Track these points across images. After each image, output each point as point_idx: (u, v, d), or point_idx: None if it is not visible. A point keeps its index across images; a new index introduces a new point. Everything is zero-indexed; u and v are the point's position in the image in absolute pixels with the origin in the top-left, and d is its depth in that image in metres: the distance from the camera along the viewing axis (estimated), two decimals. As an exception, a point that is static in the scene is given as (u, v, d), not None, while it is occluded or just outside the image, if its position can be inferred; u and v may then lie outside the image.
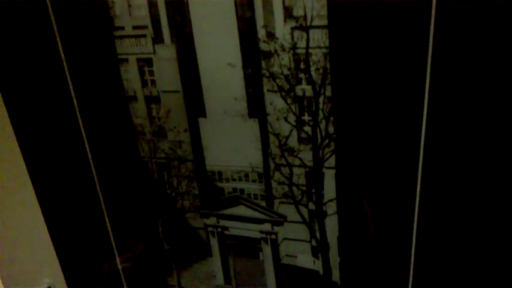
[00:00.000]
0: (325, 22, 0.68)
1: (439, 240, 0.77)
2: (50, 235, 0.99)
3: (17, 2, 0.80)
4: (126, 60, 0.82)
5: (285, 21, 0.70)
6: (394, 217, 0.78)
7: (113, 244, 1.00)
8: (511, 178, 0.68)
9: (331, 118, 0.75)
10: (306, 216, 0.86)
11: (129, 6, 0.77)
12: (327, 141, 0.77)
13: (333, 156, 0.78)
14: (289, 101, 0.76)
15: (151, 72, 0.82)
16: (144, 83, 0.84)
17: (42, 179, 0.95)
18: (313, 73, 0.72)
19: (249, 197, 0.88)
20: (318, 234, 0.86)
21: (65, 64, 0.84)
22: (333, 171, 0.80)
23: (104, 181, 0.94)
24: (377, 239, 0.81)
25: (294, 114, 0.77)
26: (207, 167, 0.88)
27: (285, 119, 0.78)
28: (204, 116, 0.83)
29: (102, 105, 0.88)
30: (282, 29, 0.71)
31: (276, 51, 0.73)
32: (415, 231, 0.77)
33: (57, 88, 0.86)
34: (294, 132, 0.79)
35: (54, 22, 0.80)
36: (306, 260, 0.90)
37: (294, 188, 0.84)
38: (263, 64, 0.74)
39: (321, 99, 0.74)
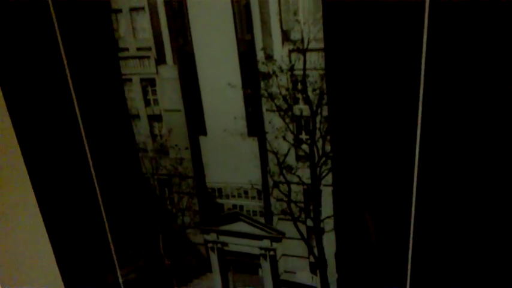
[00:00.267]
0: (321, 45, 0.70)
1: (435, 255, 0.78)
2: (52, 248, 1.01)
3: (24, 30, 0.83)
4: (130, 80, 0.85)
5: (282, 44, 0.73)
6: (390, 234, 0.80)
7: (115, 259, 1.01)
8: (508, 190, 0.70)
9: (328, 137, 0.77)
10: (304, 232, 0.87)
11: (134, 28, 0.80)
12: (324, 159, 0.79)
13: (330, 174, 0.80)
14: (287, 120, 0.78)
15: (154, 92, 0.85)
16: (147, 102, 0.86)
17: (46, 192, 0.97)
18: (310, 93, 0.75)
19: (249, 213, 0.89)
20: (315, 251, 0.88)
21: (70, 83, 0.86)
22: (330, 189, 0.81)
23: (106, 196, 0.96)
24: (375, 251, 0.82)
25: (292, 133, 0.79)
26: (208, 183, 0.90)
27: (283, 137, 0.80)
28: (205, 134, 0.85)
29: (106, 123, 0.90)
30: (280, 52, 0.73)
31: (274, 72, 0.75)
32: (411, 245, 0.79)
33: (63, 106, 0.89)
34: (292, 151, 0.81)
35: (61, 44, 0.83)
36: (304, 276, 0.91)
37: (293, 205, 0.86)
38: (262, 85, 0.77)
39: (317, 119, 0.76)
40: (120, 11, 0.79)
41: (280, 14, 0.71)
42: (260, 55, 0.75)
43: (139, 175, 0.93)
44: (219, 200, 0.91)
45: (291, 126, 0.79)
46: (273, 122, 0.79)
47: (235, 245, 0.94)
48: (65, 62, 0.85)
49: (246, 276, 0.96)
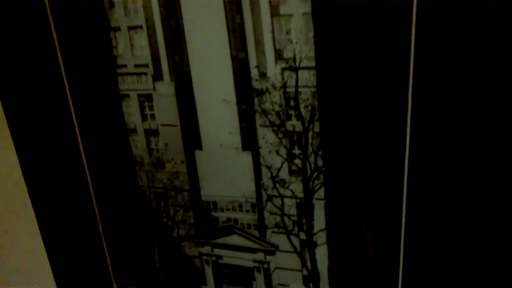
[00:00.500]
0: (312, 64, 0.73)
1: (427, 268, 0.79)
2: (49, 261, 1.02)
3: (25, 48, 0.85)
4: (128, 95, 0.87)
5: (276, 62, 0.75)
6: (382, 247, 0.81)
7: (110, 271, 1.02)
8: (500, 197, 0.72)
9: (320, 152, 0.79)
10: (297, 246, 0.88)
11: (132, 46, 0.83)
12: (316, 173, 0.81)
13: (322, 188, 0.82)
14: (280, 135, 0.81)
15: (151, 107, 0.87)
16: (144, 117, 0.88)
17: (43, 203, 0.99)
18: (302, 110, 0.77)
19: (243, 226, 0.91)
20: (309, 264, 0.89)
21: (70, 98, 0.89)
22: (323, 203, 0.83)
23: (103, 209, 0.98)
24: (371, 266, 0.83)
25: (285, 147, 0.81)
26: (203, 197, 0.91)
27: (277, 152, 0.82)
28: (200, 148, 0.87)
29: (104, 137, 0.92)
30: (273, 69, 0.76)
31: (267, 89, 0.78)
32: (401, 258, 0.80)
33: (62, 120, 0.91)
34: (285, 165, 0.83)
35: (61, 60, 0.86)
36: (297, 289, 0.92)
37: (286, 218, 0.87)
38: (256, 101, 0.79)
39: (310, 134, 0.78)
40: (118, 29, 0.82)
41: (273, 34, 0.74)
42: (254, 73, 0.77)
43: (136, 188, 0.95)
44: (213, 213, 0.92)
45: (284, 141, 0.81)
46: (267, 137, 0.82)
47: (229, 258, 0.95)
48: (65, 77, 0.87)
49: (240, 289, 0.98)
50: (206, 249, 0.96)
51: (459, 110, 0.69)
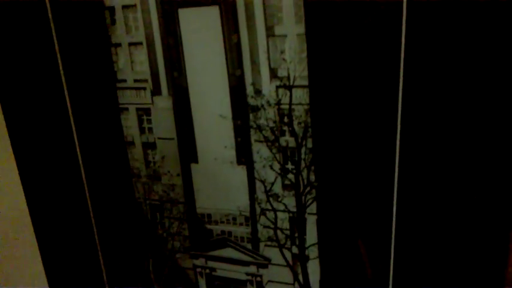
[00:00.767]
0: (306, 82, 0.75)
1: (417, 280, 0.81)
2: (44, 270, 1.03)
3: (26, 59, 0.88)
4: (127, 109, 0.89)
5: (270, 80, 0.78)
6: (373, 263, 0.83)
7: (105, 282, 1.03)
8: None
9: (312, 167, 0.81)
10: (290, 259, 0.90)
11: (132, 61, 0.85)
12: (308, 188, 0.83)
13: (315, 203, 0.84)
14: (274, 150, 0.83)
15: (149, 121, 0.89)
16: (142, 130, 0.91)
17: (41, 213, 1.00)
18: (295, 126, 0.79)
19: (236, 239, 0.92)
20: (301, 278, 0.90)
21: (70, 111, 0.91)
22: (315, 217, 0.85)
23: (99, 219, 0.99)
24: (358, 282, 0.85)
25: (279, 162, 0.83)
26: (198, 209, 0.93)
27: (270, 166, 0.84)
28: (196, 162, 0.89)
29: (102, 149, 0.94)
30: (268, 87, 0.78)
31: (262, 106, 0.80)
32: (391, 276, 0.81)
33: (62, 133, 0.93)
34: (279, 179, 0.85)
35: (63, 75, 0.88)
36: (289, 302, 0.93)
37: (279, 232, 0.89)
38: (251, 117, 0.82)
39: (302, 150, 0.81)
40: (119, 45, 0.85)
41: (268, 53, 0.76)
42: (249, 89, 0.80)
43: (132, 200, 0.97)
44: (208, 226, 0.94)
45: (277, 156, 0.83)
46: (261, 152, 0.84)
47: (223, 271, 0.96)
48: (66, 90, 0.90)
49: (233, 302, 0.98)
50: (200, 262, 0.97)
51: (450, 127, 0.71)
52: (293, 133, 0.80)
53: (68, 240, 1.02)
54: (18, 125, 0.94)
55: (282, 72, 0.77)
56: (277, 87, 0.78)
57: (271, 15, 0.74)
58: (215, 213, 0.92)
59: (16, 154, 0.96)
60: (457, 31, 0.66)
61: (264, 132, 0.82)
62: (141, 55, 0.84)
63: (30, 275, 1.03)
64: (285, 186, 0.85)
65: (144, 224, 0.98)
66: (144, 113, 0.89)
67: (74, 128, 0.93)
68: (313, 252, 0.87)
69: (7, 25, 0.87)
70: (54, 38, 0.87)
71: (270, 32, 0.75)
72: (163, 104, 0.87)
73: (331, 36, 0.71)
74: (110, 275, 1.03)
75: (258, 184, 0.86)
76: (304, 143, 0.80)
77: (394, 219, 0.78)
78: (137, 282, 1.03)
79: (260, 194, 0.87)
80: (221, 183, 0.89)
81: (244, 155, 0.85)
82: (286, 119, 0.80)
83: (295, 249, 0.89)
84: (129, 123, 0.91)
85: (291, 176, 0.84)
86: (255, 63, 0.78)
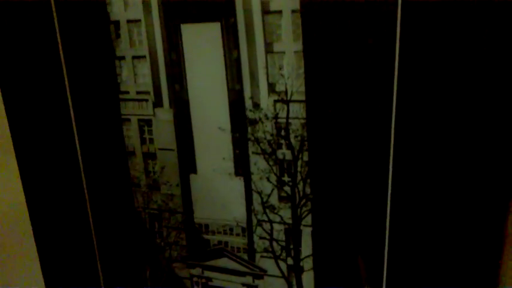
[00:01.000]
0: (303, 97, 0.78)
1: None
2: (43, 278, 1.04)
3: (31, 71, 0.91)
4: (129, 120, 0.92)
5: (268, 94, 0.80)
6: (369, 278, 0.84)
7: (102, 290, 1.05)
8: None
9: (308, 180, 0.83)
10: (285, 271, 0.91)
11: (135, 74, 0.88)
12: (304, 200, 0.85)
13: (310, 215, 0.86)
14: (271, 163, 0.85)
15: (150, 132, 0.92)
16: (143, 141, 0.93)
17: (43, 224, 1.02)
18: (292, 140, 0.82)
19: (233, 250, 0.94)
20: (295, 289, 0.92)
21: (73, 121, 0.93)
22: (310, 229, 0.86)
23: (99, 227, 1.01)
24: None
25: (275, 175, 0.86)
26: (195, 219, 0.95)
27: (267, 178, 0.86)
28: (195, 172, 0.91)
29: (104, 158, 0.96)
30: (266, 101, 0.81)
31: (260, 119, 0.82)
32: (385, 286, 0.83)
33: (64, 141, 0.95)
34: (275, 191, 0.87)
35: (68, 86, 0.91)
36: (284, 313, 0.94)
37: (274, 243, 0.90)
38: (249, 130, 0.84)
39: (299, 163, 0.83)
40: (123, 58, 0.88)
41: (266, 68, 0.79)
42: (248, 103, 0.82)
43: (132, 208, 0.98)
44: (205, 236, 0.95)
45: (274, 168, 0.85)
46: (258, 164, 0.86)
47: (219, 281, 0.98)
48: (70, 100, 0.92)
49: (228, 312, 0.99)
50: (197, 271, 0.99)
51: (443, 137, 0.73)
52: (290, 146, 0.82)
53: (66, 247, 1.03)
54: (22, 133, 0.97)
55: (279, 87, 0.79)
56: (275, 101, 0.80)
57: (271, 32, 0.77)
58: (212, 224, 0.94)
59: (19, 160, 0.98)
60: (448, 46, 0.68)
61: (261, 144, 0.84)
62: (144, 68, 0.87)
63: (27, 280, 1.04)
64: (281, 198, 0.87)
65: (142, 233, 0.99)
66: (145, 124, 0.91)
67: (76, 136, 0.95)
68: (307, 264, 0.89)
69: (15, 36, 0.90)
70: (60, 50, 0.89)
71: (269, 49, 0.78)
72: (164, 115, 0.89)
73: (327, 54, 0.74)
74: (108, 282, 1.04)
75: (255, 195, 0.88)
76: (300, 156, 0.82)
77: (387, 232, 0.80)
78: (134, 291, 1.05)
79: (257, 206, 0.89)
80: (219, 194, 0.91)
81: (242, 167, 0.87)
82: (283, 133, 0.82)
83: (290, 261, 0.90)
84: (131, 133, 0.93)
85: (287, 188, 0.86)
86: (254, 78, 0.80)
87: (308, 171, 0.83)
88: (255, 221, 0.90)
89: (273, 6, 0.75)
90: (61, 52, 0.90)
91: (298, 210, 0.86)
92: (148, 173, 0.95)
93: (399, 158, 0.75)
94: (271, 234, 0.90)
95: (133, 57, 0.87)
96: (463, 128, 0.71)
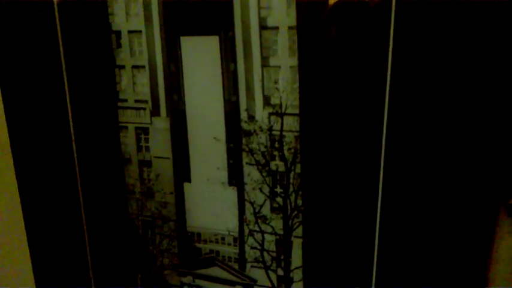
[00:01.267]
0: (296, 111, 0.80)
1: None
2: (34, 281, 1.04)
3: (30, 80, 0.93)
4: (126, 127, 0.94)
5: (263, 107, 0.83)
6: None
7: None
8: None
9: (300, 192, 0.85)
10: (275, 281, 0.92)
11: (134, 83, 0.90)
12: (295, 212, 0.87)
13: (301, 226, 0.87)
14: (264, 174, 0.87)
15: (146, 140, 0.93)
16: (139, 148, 0.95)
17: (37, 227, 1.02)
18: (285, 152, 0.84)
19: (224, 259, 0.95)
20: (284, 300, 0.92)
21: (71, 127, 0.95)
22: (301, 241, 0.88)
23: (92, 233, 1.01)
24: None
25: (268, 186, 0.87)
26: (188, 228, 0.96)
27: (260, 189, 0.88)
28: (189, 181, 0.93)
29: (100, 164, 0.98)
30: (261, 113, 0.83)
31: (255, 131, 0.84)
32: (372, 302, 0.84)
33: (62, 147, 0.97)
34: (268, 202, 0.88)
35: (67, 91, 0.93)
36: (272, 324, 0.95)
37: (265, 254, 0.91)
38: (244, 141, 0.86)
39: (291, 175, 0.85)
40: (123, 67, 0.90)
41: (262, 82, 0.81)
42: (243, 115, 0.84)
43: (126, 215, 0.99)
44: (197, 244, 0.96)
45: (267, 179, 0.87)
46: (252, 174, 0.87)
47: (209, 289, 0.98)
48: (69, 107, 0.94)
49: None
50: (188, 279, 0.99)
51: (433, 152, 0.75)
52: (283, 158, 0.84)
53: (59, 250, 1.04)
54: (20, 136, 0.98)
55: (274, 100, 0.81)
56: (270, 114, 0.82)
57: (267, 47, 0.79)
58: (205, 233, 0.95)
59: (16, 163, 0.99)
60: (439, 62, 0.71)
61: (255, 156, 0.86)
62: (143, 77, 0.89)
63: (18, 281, 1.05)
64: (273, 209, 0.88)
65: (135, 240, 1.00)
66: (142, 132, 0.93)
67: (73, 141, 0.96)
68: (297, 275, 0.90)
69: (18, 43, 0.92)
70: (62, 56, 0.91)
71: (265, 63, 0.80)
72: (161, 124, 0.91)
73: (321, 69, 0.76)
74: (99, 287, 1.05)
75: (248, 206, 0.90)
76: (293, 168, 0.84)
77: (376, 246, 0.82)
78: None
79: (249, 216, 0.90)
80: (212, 203, 0.92)
81: (235, 177, 0.89)
82: (277, 145, 0.84)
83: (280, 271, 0.91)
84: (128, 141, 0.95)
85: (279, 199, 0.87)
86: (249, 90, 0.82)
87: (300, 183, 0.84)
88: (246, 231, 0.91)
89: (270, 22, 0.78)
90: (62, 58, 0.92)
91: (290, 221, 0.88)
92: (143, 181, 0.96)
93: (389, 172, 0.77)
94: (262, 245, 0.91)
95: (133, 67, 0.89)
96: (453, 136, 0.73)
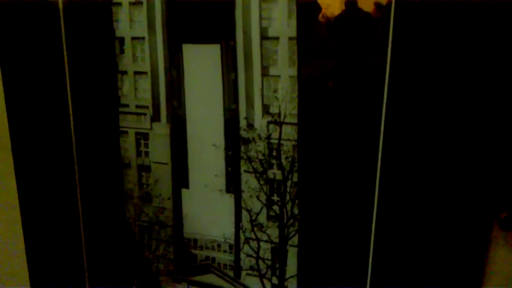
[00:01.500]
0: (295, 120, 0.81)
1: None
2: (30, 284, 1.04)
3: (33, 82, 0.94)
4: (126, 132, 0.95)
5: (262, 115, 0.84)
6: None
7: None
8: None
9: (297, 201, 0.86)
10: (270, 289, 0.92)
11: (135, 89, 0.91)
12: (291, 221, 0.87)
13: (297, 235, 0.87)
14: (261, 182, 0.87)
15: (146, 145, 0.94)
16: (138, 153, 0.95)
17: (34, 229, 1.03)
18: (283, 160, 0.84)
19: (219, 266, 0.95)
20: (279, 309, 0.92)
21: (72, 131, 0.96)
22: (296, 249, 0.88)
23: (89, 237, 1.02)
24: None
25: (265, 193, 0.88)
26: (185, 234, 0.96)
27: (257, 197, 0.88)
28: (187, 187, 0.93)
29: (100, 168, 0.99)
30: (259, 122, 0.84)
31: (253, 139, 0.85)
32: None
33: (62, 149, 0.98)
34: (264, 210, 0.89)
35: (69, 95, 0.94)
36: (266, 333, 0.94)
37: (260, 262, 0.92)
38: (242, 148, 0.87)
39: (288, 183, 0.85)
40: (125, 72, 0.91)
41: (262, 91, 0.82)
42: (243, 123, 0.85)
43: (123, 219, 1.00)
44: (193, 251, 0.97)
45: (264, 187, 0.87)
46: (249, 182, 0.88)
47: (204, 296, 0.98)
48: (71, 110, 0.95)
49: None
50: (183, 286, 0.99)
51: (430, 158, 0.76)
52: (280, 167, 0.85)
53: (55, 252, 1.04)
54: (21, 139, 0.99)
55: (273, 109, 0.82)
56: (268, 122, 0.83)
57: (267, 57, 0.81)
58: (201, 239, 0.95)
59: (16, 166, 1.00)
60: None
61: (253, 163, 0.87)
62: (144, 83, 0.90)
63: (14, 282, 1.05)
64: (269, 217, 0.89)
65: (132, 245, 1.01)
66: (142, 137, 0.94)
67: (74, 145, 0.97)
68: (291, 284, 0.90)
69: (23, 46, 0.93)
70: (65, 60, 0.93)
71: (265, 72, 0.82)
72: (161, 130, 0.92)
73: (320, 80, 0.78)
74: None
75: (244, 213, 0.90)
76: (290, 176, 0.85)
77: (370, 257, 0.82)
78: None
79: (245, 223, 0.91)
80: (209, 210, 0.93)
81: (233, 184, 0.90)
82: (274, 153, 0.85)
83: (275, 280, 0.92)
84: (127, 146, 0.95)
85: (275, 207, 0.88)
86: (249, 99, 0.84)
87: (297, 192, 0.85)
88: (242, 238, 0.92)
89: (271, 33, 0.79)
90: (66, 63, 0.93)
91: (286, 230, 0.88)
92: (141, 185, 0.97)
93: (385, 184, 0.78)
94: (257, 253, 0.91)
95: (135, 73, 0.91)
96: (447, 154, 0.74)
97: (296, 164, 0.84)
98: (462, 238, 0.76)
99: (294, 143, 0.83)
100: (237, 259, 0.93)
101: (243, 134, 0.86)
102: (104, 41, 0.90)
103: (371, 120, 0.76)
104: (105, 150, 0.97)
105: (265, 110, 0.83)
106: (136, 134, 0.94)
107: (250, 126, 0.85)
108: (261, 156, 0.86)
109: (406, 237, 0.79)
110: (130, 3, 0.87)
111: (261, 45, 0.80)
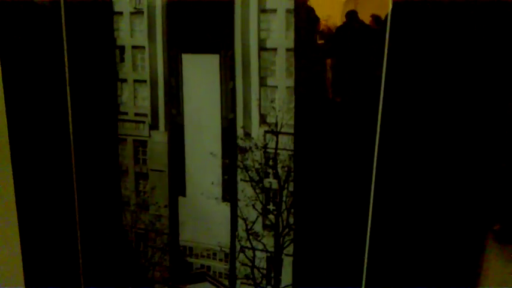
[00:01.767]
0: (291, 130, 0.82)
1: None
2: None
3: (34, 98, 0.95)
4: (125, 140, 0.95)
5: (259, 125, 0.85)
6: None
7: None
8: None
9: (292, 210, 0.86)
10: (264, 299, 0.92)
11: (135, 97, 0.92)
12: (287, 230, 0.87)
13: (292, 245, 0.88)
14: (258, 190, 0.88)
15: (144, 152, 0.95)
16: (136, 161, 0.96)
17: (31, 234, 1.03)
18: (279, 170, 0.85)
19: (214, 274, 0.95)
20: (273, 318, 0.92)
21: (71, 138, 0.97)
22: (291, 259, 0.88)
23: (86, 243, 1.02)
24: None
25: (261, 202, 0.88)
26: (181, 241, 0.96)
27: (253, 206, 0.89)
28: (184, 195, 0.94)
29: (97, 175, 0.99)
30: (256, 131, 0.85)
31: (250, 148, 0.86)
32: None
33: (61, 155, 0.98)
34: (260, 219, 0.89)
35: (69, 101, 0.95)
36: None
37: (255, 271, 0.92)
38: (239, 157, 0.87)
39: (284, 193, 0.86)
40: (125, 80, 0.92)
41: (259, 101, 0.84)
42: (240, 132, 0.86)
43: (119, 226, 1.00)
44: (189, 259, 0.97)
45: (260, 196, 0.88)
46: (246, 191, 0.89)
47: (198, 305, 0.98)
48: (70, 117, 0.96)
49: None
50: (177, 294, 0.99)
51: (423, 173, 0.77)
52: (276, 176, 0.86)
53: (51, 257, 1.04)
54: (20, 143, 0.99)
55: (270, 119, 0.83)
56: (265, 132, 0.84)
57: (265, 67, 0.82)
58: (197, 247, 0.96)
59: (14, 171, 1.00)
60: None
61: (250, 172, 0.87)
62: (144, 92, 0.91)
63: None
64: (265, 226, 0.89)
65: (128, 252, 1.01)
66: (140, 145, 0.95)
67: (72, 152, 0.98)
68: (287, 294, 0.90)
69: (24, 52, 0.94)
70: (66, 67, 0.94)
71: (262, 82, 0.83)
72: (159, 138, 0.93)
73: (317, 91, 0.79)
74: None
75: (240, 222, 0.91)
76: (286, 186, 0.85)
77: (364, 271, 0.82)
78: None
79: (241, 232, 0.91)
80: (205, 218, 0.93)
81: (229, 193, 0.90)
82: (271, 162, 0.85)
83: (270, 289, 0.92)
84: (126, 153, 0.96)
85: (271, 216, 0.88)
86: (246, 108, 0.85)
87: (293, 201, 0.86)
88: (238, 247, 0.92)
89: (269, 44, 0.81)
90: (67, 69, 0.94)
91: (281, 239, 0.88)
92: (138, 193, 0.97)
93: (380, 194, 0.79)
94: (253, 261, 0.92)
95: (135, 81, 0.92)
96: (440, 167, 0.75)
97: (292, 173, 0.84)
98: (456, 249, 0.77)
99: (290, 152, 0.83)
100: (232, 268, 0.93)
101: (240, 143, 0.87)
102: (105, 49, 0.92)
103: (367, 131, 0.77)
104: (104, 157, 0.98)
105: (262, 119, 0.84)
106: (135, 141, 0.95)
107: (247, 135, 0.86)
108: (257, 165, 0.87)
109: (401, 248, 0.80)
110: (132, 13, 0.88)
111: (259, 56, 0.82)
